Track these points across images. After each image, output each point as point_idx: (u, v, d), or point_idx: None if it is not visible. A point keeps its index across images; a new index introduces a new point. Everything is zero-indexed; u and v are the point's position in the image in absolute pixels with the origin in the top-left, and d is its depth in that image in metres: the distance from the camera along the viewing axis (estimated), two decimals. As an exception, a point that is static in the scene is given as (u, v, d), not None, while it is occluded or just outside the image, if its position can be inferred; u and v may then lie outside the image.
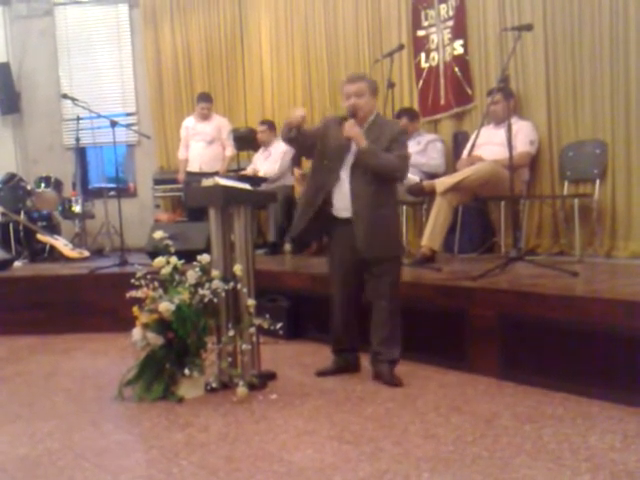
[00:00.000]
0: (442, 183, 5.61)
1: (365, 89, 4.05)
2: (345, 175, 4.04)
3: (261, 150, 8.00)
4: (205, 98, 8.28)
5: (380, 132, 4.04)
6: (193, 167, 8.20)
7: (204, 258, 4.07)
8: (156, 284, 4.05)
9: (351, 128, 3.98)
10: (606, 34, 5.43)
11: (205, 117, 8.23)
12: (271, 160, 7.79)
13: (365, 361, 4.28)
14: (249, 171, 7.96)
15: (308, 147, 4.20)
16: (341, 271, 4.21)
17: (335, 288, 4.25)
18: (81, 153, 9.63)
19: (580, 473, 2.67)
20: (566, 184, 5.81)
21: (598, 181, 5.56)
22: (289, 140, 4.14)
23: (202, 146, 8.21)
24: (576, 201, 5.48)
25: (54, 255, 7.86)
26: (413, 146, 6.37)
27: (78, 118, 8.12)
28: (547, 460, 2.80)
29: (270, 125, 7.96)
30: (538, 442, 3.01)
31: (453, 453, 2.93)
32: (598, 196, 5.53)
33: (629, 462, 2.75)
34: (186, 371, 3.88)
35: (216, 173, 7.65)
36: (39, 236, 7.88)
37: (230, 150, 8.27)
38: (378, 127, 4.07)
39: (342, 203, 4.06)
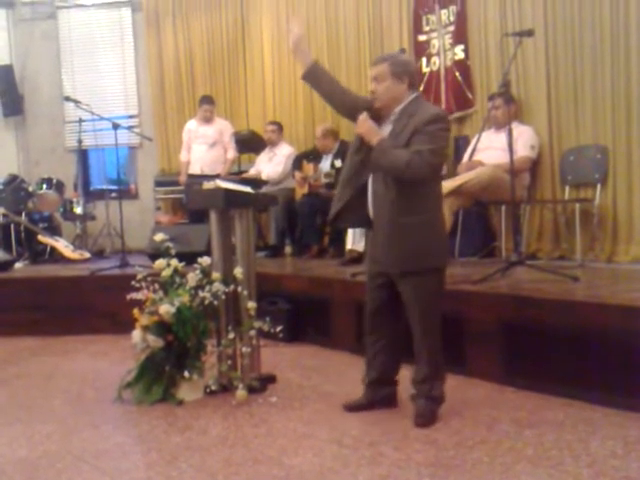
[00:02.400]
0: (443, 187, 5.59)
1: (386, 73, 3.37)
2: (370, 176, 3.49)
3: (266, 150, 7.99)
4: (208, 100, 8.29)
5: (407, 123, 3.35)
6: (194, 169, 8.20)
7: (205, 260, 4.08)
8: (156, 286, 4.06)
9: (362, 123, 3.37)
10: (607, 39, 5.42)
11: (207, 120, 8.23)
12: (275, 162, 7.79)
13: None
14: (252, 172, 7.96)
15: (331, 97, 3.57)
16: (368, 285, 3.64)
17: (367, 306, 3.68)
18: (83, 155, 9.61)
19: (581, 479, 2.66)
20: (567, 189, 5.80)
21: (599, 186, 5.55)
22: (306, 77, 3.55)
23: (204, 149, 8.21)
24: (577, 206, 5.47)
25: (55, 256, 7.86)
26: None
27: (80, 120, 8.12)
28: (548, 466, 2.80)
29: (279, 126, 7.95)
30: (539, 448, 3.00)
31: (454, 458, 2.92)
32: (599, 201, 5.52)
33: (630, 469, 2.74)
34: (186, 374, 3.88)
35: (217, 176, 7.64)
36: (40, 237, 7.88)
37: (232, 153, 8.27)
38: (407, 117, 3.37)
39: (370, 205, 3.51)
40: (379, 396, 3.66)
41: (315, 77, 3.55)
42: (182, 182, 8.38)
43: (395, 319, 3.56)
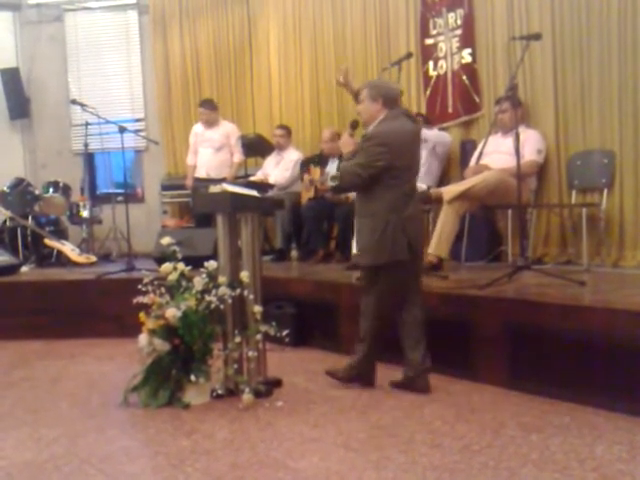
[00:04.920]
0: (449, 191, 5.61)
1: (365, 95, 4.11)
2: None
3: (274, 154, 7.99)
4: (203, 104, 8.24)
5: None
6: (200, 173, 8.20)
7: (211, 264, 4.08)
8: (163, 290, 4.06)
9: (343, 141, 4.24)
10: (614, 43, 5.42)
11: (210, 124, 8.20)
12: (282, 167, 7.79)
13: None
14: (259, 176, 7.95)
15: None
16: None
17: None
18: (89, 158, 9.64)
19: (587, 484, 2.67)
20: (574, 193, 5.79)
21: (606, 190, 5.54)
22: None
23: (210, 152, 8.19)
24: (584, 210, 5.46)
25: (61, 260, 7.86)
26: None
27: (87, 123, 8.13)
28: (554, 470, 2.80)
29: (287, 130, 7.95)
30: (545, 452, 3.00)
31: (459, 463, 2.92)
32: (606, 205, 5.52)
33: (636, 473, 2.74)
34: (192, 377, 3.88)
35: (224, 179, 7.66)
36: (47, 241, 7.89)
37: (238, 157, 8.25)
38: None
39: None
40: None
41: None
42: (188, 186, 8.39)
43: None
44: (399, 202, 3.95)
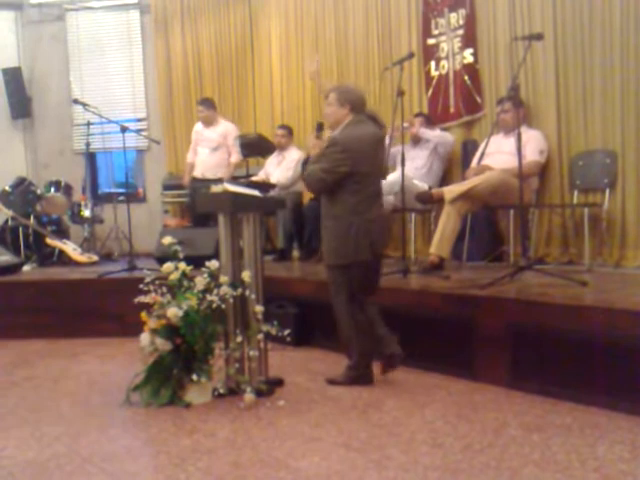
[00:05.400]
0: (451, 191, 5.61)
1: (333, 99, 4.21)
2: None
3: (275, 154, 7.97)
4: (201, 102, 8.22)
5: None
6: (197, 173, 8.17)
7: (213, 264, 4.08)
8: (164, 289, 4.06)
9: (309, 143, 4.40)
10: (617, 44, 5.42)
11: (208, 123, 8.15)
12: (284, 167, 7.77)
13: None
14: (261, 176, 7.94)
15: None
16: None
17: None
18: (91, 158, 9.65)
19: (588, 484, 2.67)
20: (576, 193, 5.80)
21: (608, 190, 5.54)
22: None
23: (207, 152, 8.15)
24: (586, 210, 5.46)
25: (63, 259, 7.88)
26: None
27: (89, 123, 8.15)
28: (555, 470, 2.80)
29: (289, 130, 7.93)
30: (546, 452, 3.00)
31: (461, 462, 2.92)
32: (608, 205, 5.52)
33: (637, 473, 2.74)
34: (194, 377, 3.88)
35: (220, 180, 7.67)
36: (48, 240, 7.90)
37: (236, 157, 8.17)
38: None
39: None
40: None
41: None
42: (185, 183, 8.38)
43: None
44: (362, 205, 4.11)
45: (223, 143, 8.15)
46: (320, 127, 4.36)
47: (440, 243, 5.52)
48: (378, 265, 4.29)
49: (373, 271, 4.24)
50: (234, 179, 7.90)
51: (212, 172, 8.05)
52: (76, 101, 7.66)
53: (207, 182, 7.76)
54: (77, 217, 8.75)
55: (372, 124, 4.23)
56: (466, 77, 6.66)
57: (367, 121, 4.22)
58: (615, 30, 5.42)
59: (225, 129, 8.21)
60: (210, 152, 8.14)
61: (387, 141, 6.00)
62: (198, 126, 8.32)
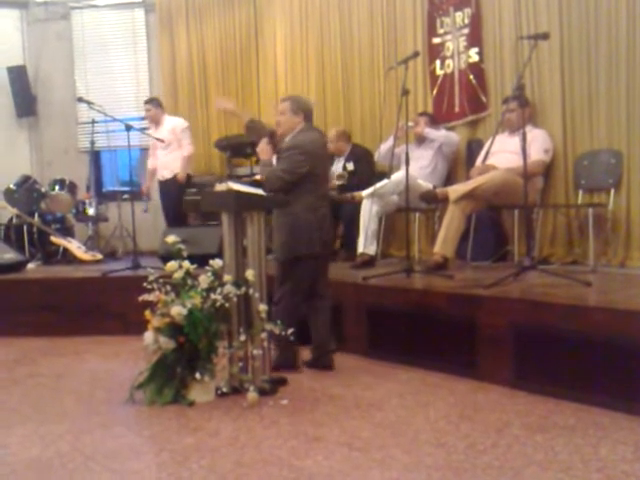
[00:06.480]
0: (455, 191, 5.60)
1: (286, 108, 4.57)
2: None
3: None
4: (148, 101, 8.15)
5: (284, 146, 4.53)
6: (159, 176, 8.10)
7: (216, 263, 4.08)
8: (168, 288, 4.06)
9: (260, 145, 4.63)
10: (623, 43, 5.40)
11: (156, 121, 7.99)
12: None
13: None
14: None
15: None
16: None
17: None
18: (96, 156, 9.65)
19: (591, 484, 2.66)
20: (580, 193, 5.78)
21: (613, 191, 5.52)
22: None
23: (162, 153, 8.02)
24: (590, 210, 5.44)
25: (67, 257, 7.89)
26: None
27: (93, 121, 8.14)
28: (558, 470, 2.79)
29: None
30: (549, 452, 2.99)
31: (464, 462, 2.92)
32: (612, 206, 5.50)
33: (641, 474, 2.73)
34: (197, 375, 3.88)
35: (174, 177, 7.76)
36: (53, 238, 7.91)
37: (187, 150, 7.98)
38: (290, 141, 4.53)
39: None
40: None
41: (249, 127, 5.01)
42: (144, 190, 8.39)
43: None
44: (315, 204, 4.49)
45: (173, 139, 8.00)
46: (272, 134, 4.68)
47: (444, 243, 5.51)
48: (326, 259, 4.70)
49: (321, 265, 4.61)
50: (238, 178, 7.90)
51: (168, 171, 7.98)
52: (81, 99, 7.66)
53: (167, 182, 7.77)
54: (81, 215, 8.77)
55: (317, 131, 4.71)
56: (471, 76, 6.64)
57: (314, 129, 4.68)
58: (621, 29, 5.40)
59: (172, 124, 8.05)
60: (163, 152, 8.01)
61: (391, 141, 6.05)
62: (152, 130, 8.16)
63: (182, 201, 7.75)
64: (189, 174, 8.21)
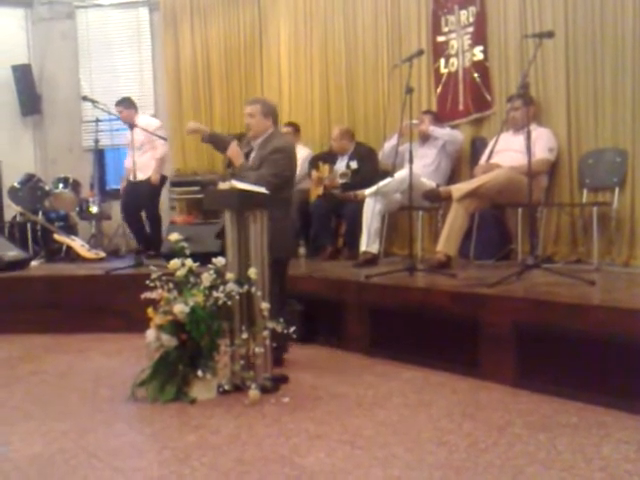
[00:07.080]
0: (458, 189, 5.59)
1: (257, 111, 4.64)
2: None
3: None
4: (120, 102, 8.05)
5: (262, 152, 4.60)
6: (131, 176, 7.94)
7: (219, 261, 4.08)
8: (171, 286, 4.06)
9: (231, 149, 4.68)
10: (628, 41, 5.38)
11: (130, 122, 7.74)
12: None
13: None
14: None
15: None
16: None
17: None
18: (99, 155, 9.64)
19: (594, 483, 2.65)
20: (585, 192, 5.76)
21: (617, 189, 5.50)
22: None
23: (137, 155, 7.84)
24: (595, 209, 5.43)
25: (71, 255, 7.90)
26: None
27: (97, 120, 8.14)
28: (560, 469, 2.78)
29: (295, 127, 7.88)
30: (552, 451, 2.98)
31: (466, 461, 2.91)
32: (617, 205, 5.48)
33: (644, 473, 2.72)
34: (199, 373, 3.88)
35: (148, 180, 7.76)
36: (56, 236, 7.92)
37: (159, 151, 7.95)
38: (268, 145, 4.61)
39: None
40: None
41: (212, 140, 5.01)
42: (122, 189, 8.35)
43: None
44: (290, 208, 4.73)
45: (146, 140, 7.95)
46: (239, 139, 4.85)
47: (447, 241, 5.51)
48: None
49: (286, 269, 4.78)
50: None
51: (143, 172, 7.89)
52: (85, 98, 7.66)
53: (138, 184, 7.82)
54: (85, 213, 8.79)
55: (288, 136, 4.92)
56: (476, 74, 6.63)
57: (283, 133, 4.84)
58: (627, 27, 5.38)
59: (145, 124, 7.93)
60: (136, 152, 7.80)
61: (395, 139, 6.04)
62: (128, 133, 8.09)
63: (155, 204, 8.01)
64: (163, 175, 8.19)
